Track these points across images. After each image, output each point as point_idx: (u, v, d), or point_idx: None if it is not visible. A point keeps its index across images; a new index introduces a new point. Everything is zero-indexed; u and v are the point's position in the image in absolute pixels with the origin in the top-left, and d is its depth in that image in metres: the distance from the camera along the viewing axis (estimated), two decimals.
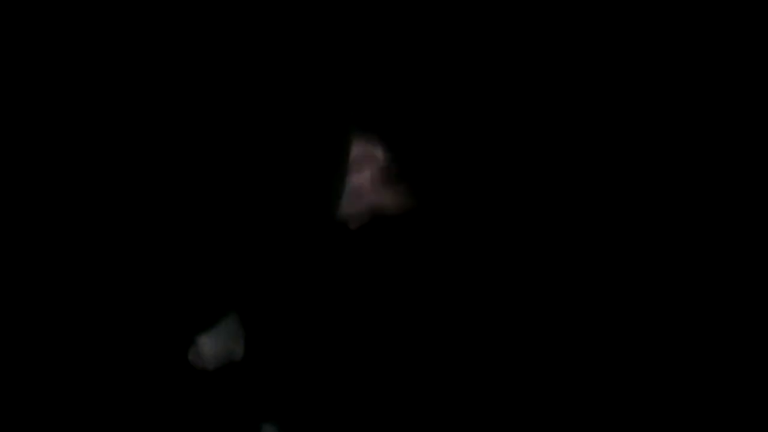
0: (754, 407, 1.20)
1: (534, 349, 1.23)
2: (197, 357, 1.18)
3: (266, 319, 1.21)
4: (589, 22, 1.25)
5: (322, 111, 1.15)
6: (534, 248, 1.25)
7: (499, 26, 1.23)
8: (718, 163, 1.25)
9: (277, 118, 1.13)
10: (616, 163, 1.25)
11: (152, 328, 1.14)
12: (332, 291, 1.21)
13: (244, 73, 1.11)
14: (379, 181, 1.20)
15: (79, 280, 1.09)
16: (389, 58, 1.20)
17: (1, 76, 1.06)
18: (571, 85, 1.25)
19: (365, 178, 1.19)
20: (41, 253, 1.09)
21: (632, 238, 1.24)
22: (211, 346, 1.19)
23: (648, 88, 1.25)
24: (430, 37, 1.20)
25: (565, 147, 1.25)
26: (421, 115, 1.21)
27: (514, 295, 1.24)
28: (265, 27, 1.12)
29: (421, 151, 1.21)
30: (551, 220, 1.25)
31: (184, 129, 1.10)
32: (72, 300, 1.10)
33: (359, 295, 1.22)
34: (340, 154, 1.18)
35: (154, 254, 1.10)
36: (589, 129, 1.25)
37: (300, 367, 1.22)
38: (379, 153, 1.19)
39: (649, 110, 1.25)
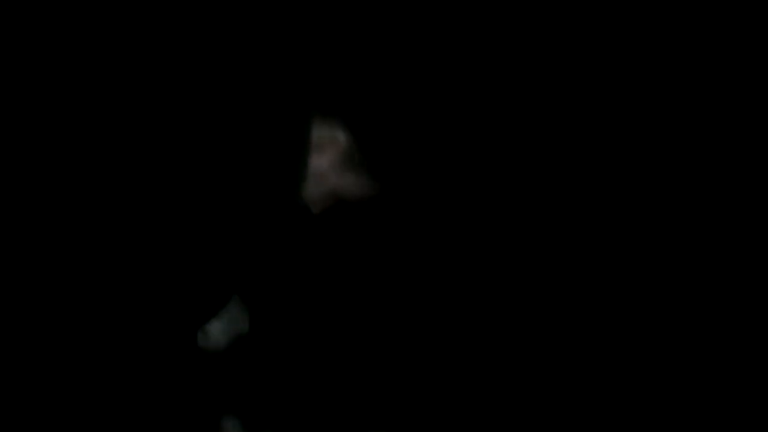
0: (754, 407, 1.07)
1: (499, 334, 1.14)
2: (206, 339, 1.20)
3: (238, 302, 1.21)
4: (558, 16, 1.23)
5: (283, 94, 1.20)
6: (499, 233, 1.18)
7: (456, 9, 1.23)
8: (718, 163, 1.20)
9: (237, 101, 1.19)
10: (585, 144, 1.19)
11: (154, 316, 1.19)
12: (296, 275, 1.20)
13: (204, 58, 1.20)
14: (340, 164, 1.20)
15: (80, 277, 1.18)
16: (350, 40, 1.23)
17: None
18: (529, 66, 1.21)
19: (327, 161, 1.20)
20: (44, 250, 1.20)
21: (606, 226, 1.17)
22: (219, 328, 1.21)
23: (636, 88, 1.21)
24: (391, 20, 1.23)
25: (522, 129, 1.20)
26: (382, 98, 1.21)
27: (479, 281, 1.17)
28: (225, 12, 1.21)
29: (383, 135, 1.21)
30: (518, 203, 1.18)
31: (146, 116, 1.19)
32: (78, 295, 1.19)
33: (322, 279, 1.19)
34: (301, 137, 1.20)
35: (130, 246, 1.17)
36: (549, 110, 1.20)
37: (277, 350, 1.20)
38: (340, 136, 1.20)
39: (631, 109, 1.20)
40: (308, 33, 1.22)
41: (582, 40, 1.22)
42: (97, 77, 1.16)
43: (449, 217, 1.18)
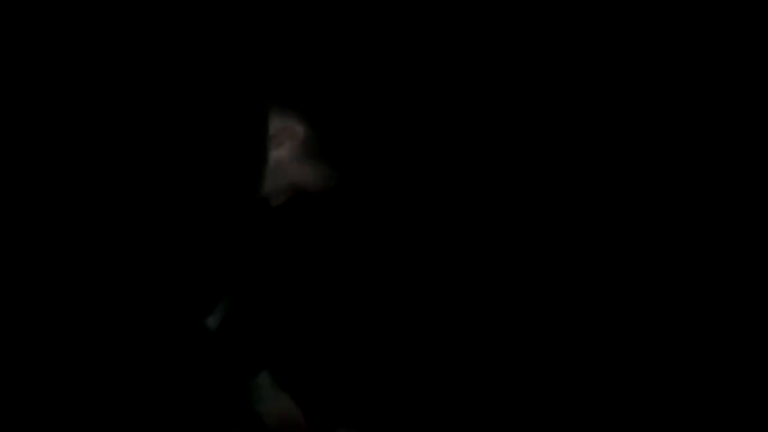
0: (754, 407, 1.08)
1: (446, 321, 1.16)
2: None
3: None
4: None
5: (238, 88, 1.20)
6: (462, 219, 1.19)
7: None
8: (718, 163, 1.23)
9: (193, 96, 1.19)
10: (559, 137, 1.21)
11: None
12: (256, 266, 1.20)
13: (161, 52, 1.20)
14: (298, 156, 1.20)
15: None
16: (306, 30, 1.23)
17: None
18: (483, 53, 1.22)
19: (285, 152, 1.20)
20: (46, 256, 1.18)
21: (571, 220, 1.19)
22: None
23: (635, 88, 1.22)
24: (347, 10, 1.23)
25: (481, 117, 1.21)
26: (338, 87, 1.22)
27: (442, 268, 1.18)
28: (181, 6, 1.20)
29: (340, 125, 1.21)
30: (481, 189, 1.19)
31: (106, 116, 1.18)
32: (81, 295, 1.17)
33: (287, 269, 1.20)
34: (259, 130, 1.20)
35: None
36: (512, 99, 1.21)
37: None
38: (298, 128, 1.20)
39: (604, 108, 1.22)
40: (261, 25, 1.22)
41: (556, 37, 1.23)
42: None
43: (408, 206, 1.19)
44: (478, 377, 1.20)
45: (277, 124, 1.19)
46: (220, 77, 1.18)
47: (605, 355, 1.21)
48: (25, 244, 1.13)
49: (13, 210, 1.13)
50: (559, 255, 1.22)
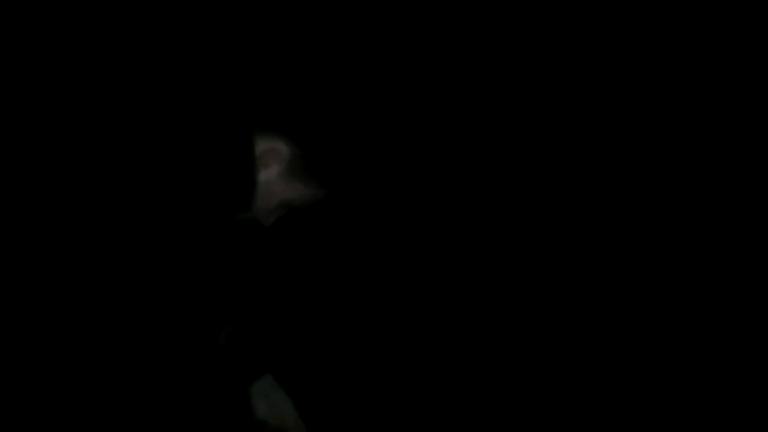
0: (754, 407, 1.16)
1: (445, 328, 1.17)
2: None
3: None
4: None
5: (222, 112, 1.22)
6: (452, 227, 1.21)
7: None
8: (718, 163, 1.21)
9: (178, 120, 1.22)
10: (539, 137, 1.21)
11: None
12: (250, 287, 1.23)
13: (145, 74, 1.22)
14: (286, 175, 1.22)
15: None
16: (284, 51, 1.25)
17: None
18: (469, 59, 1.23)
19: (272, 173, 1.22)
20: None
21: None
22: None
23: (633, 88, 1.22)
24: (324, 27, 1.25)
25: (466, 128, 1.22)
26: (321, 106, 1.24)
27: (435, 275, 1.20)
28: (166, 25, 1.23)
29: (325, 141, 1.23)
30: (466, 197, 1.21)
31: (90, 133, 1.20)
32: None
33: (281, 282, 1.22)
34: (246, 153, 1.23)
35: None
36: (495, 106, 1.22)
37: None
38: (282, 147, 1.22)
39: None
40: (244, 47, 1.24)
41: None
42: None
43: (399, 214, 1.21)
44: (476, 384, 1.21)
45: (262, 145, 1.21)
46: (205, 104, 1.20)
47: (605, 355, 1.20)
48: (24, 248, 1.16)
49: (13, 210, 1.16)
50: (558, 255, 1.22)
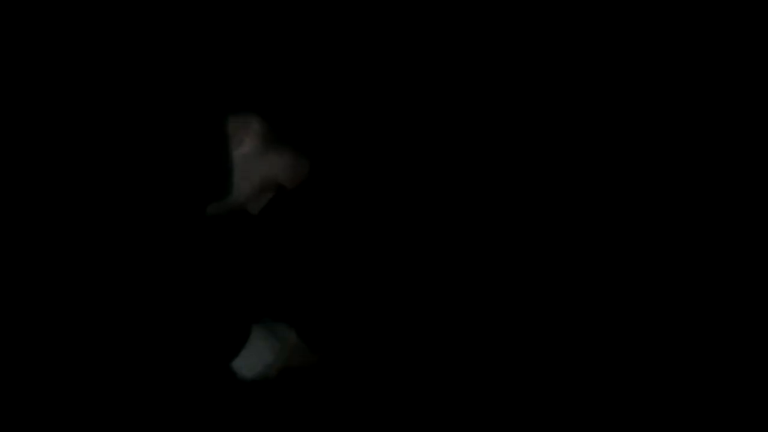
0: (753, 407, 1.17)
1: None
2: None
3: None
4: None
5: (189, 95, 1.17)
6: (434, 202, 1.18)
7: None
8: (718, 163, 1.21)
9: (148, 107, 1.16)
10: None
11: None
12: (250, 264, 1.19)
13: (119, 65, 1.17)
14: (262, 150, 1.17)
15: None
16: (252, 27, 1.21)
17: None
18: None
19: (247, 149, 1.17)
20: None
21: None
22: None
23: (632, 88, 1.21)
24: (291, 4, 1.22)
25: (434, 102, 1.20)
26: (290, 77, 1.19)
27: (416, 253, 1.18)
28: (137, 15, 1.18)
29: (297, 113, 1.18)
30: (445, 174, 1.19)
31: (69, 127, 1.15)
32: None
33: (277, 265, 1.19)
34: (217, 133, 1.17)
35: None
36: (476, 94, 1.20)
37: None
38: (254, 122, 1.17)
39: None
40: (210, 25, 1.20)
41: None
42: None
43: (378, 188, 1.18)
44: (474, 383, 1.20)
45: (232, 123, 1.16)
46: (174, 84, 1.16)
47: (605, 355, 1.20)
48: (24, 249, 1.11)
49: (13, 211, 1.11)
50: (557, 255, 1.22)
